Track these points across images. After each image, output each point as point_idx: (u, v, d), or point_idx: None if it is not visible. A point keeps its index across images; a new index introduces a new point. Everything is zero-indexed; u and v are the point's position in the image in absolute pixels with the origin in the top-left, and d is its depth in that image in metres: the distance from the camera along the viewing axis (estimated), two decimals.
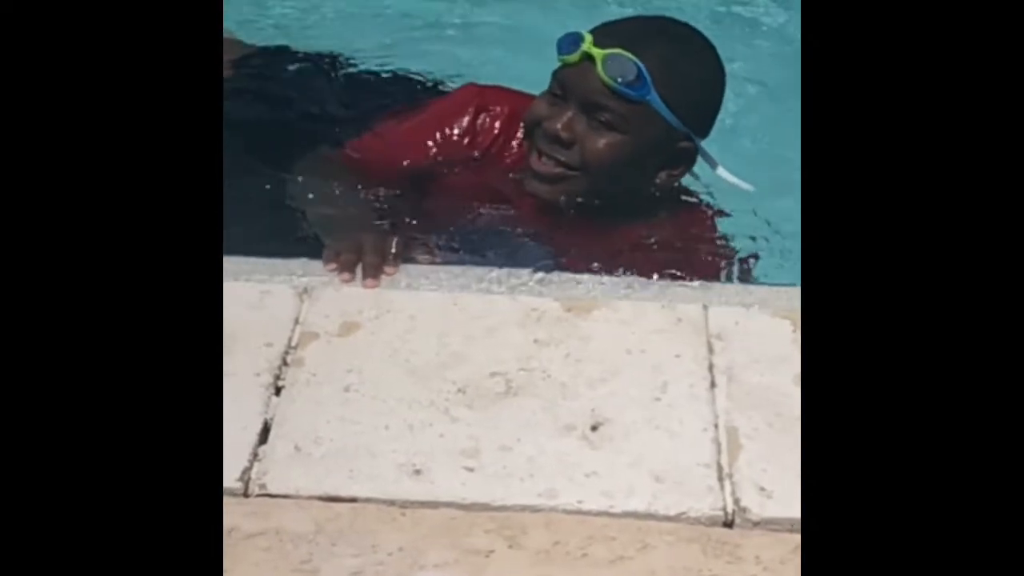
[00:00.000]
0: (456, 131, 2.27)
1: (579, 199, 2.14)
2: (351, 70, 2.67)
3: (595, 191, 2.12)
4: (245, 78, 2.58)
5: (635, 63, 2.03)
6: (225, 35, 2.63)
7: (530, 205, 2.21)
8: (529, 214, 2.22)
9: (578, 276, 1.93)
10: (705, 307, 1.82)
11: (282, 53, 2.68)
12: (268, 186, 2.31)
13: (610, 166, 2.08)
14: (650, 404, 1.64)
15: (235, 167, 2.42)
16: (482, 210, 2.25)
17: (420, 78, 2.61)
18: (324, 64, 2.65)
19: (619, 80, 2.03)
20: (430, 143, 2.27)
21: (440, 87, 2.56)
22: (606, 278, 1.93)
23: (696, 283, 1.93)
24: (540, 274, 1.93)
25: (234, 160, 2.44)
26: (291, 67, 2.66)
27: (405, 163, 2.27)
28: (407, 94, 2.54)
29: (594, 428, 1.61)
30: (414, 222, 2.18)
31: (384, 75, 2.64)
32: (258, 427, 1.59)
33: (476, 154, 2.28)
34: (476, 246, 2.18)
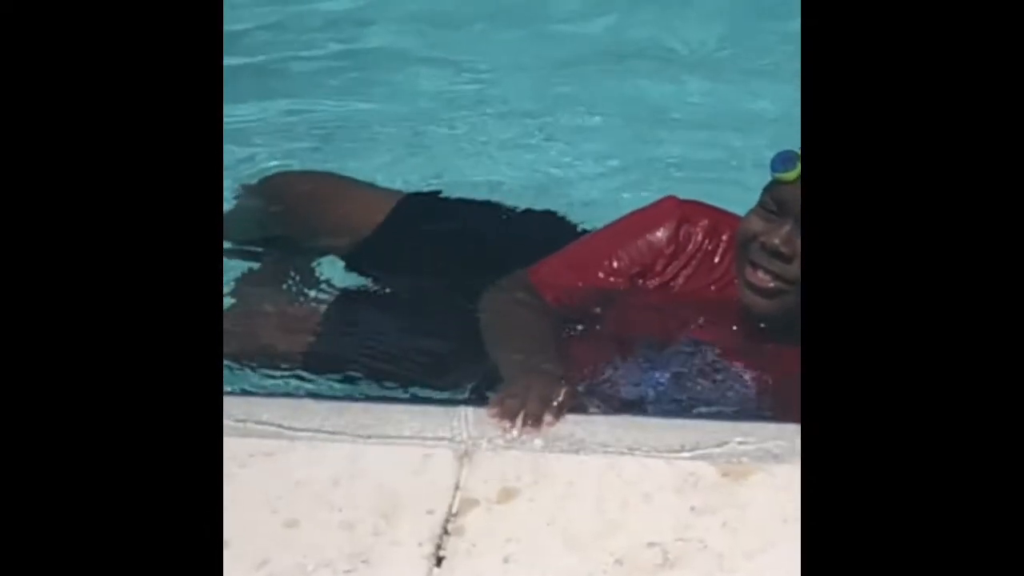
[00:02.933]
0: (660, 240, 2.28)
1: (793, 315, 2.09)
2: (518, 206, 2.71)
3: None
4: (409, 220, 2.63)
5: None
6: (382, 187, 2.76)
7: (732, 325, 2.22)
8: (729, 335, 2.22)
9: (748, 428, 1.88)
10: None
11: (437, 194, 2.75)
12: (450, 310, 2.38)
13: None
14: None
15: (416, 301, 2.51)
16: (675, 336, 2.22)
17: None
18: (483, 202, 2.70)
19: None
20: (633, 253, 2.29)
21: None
22: (781, 429, 1.86)
23: None
24: (707, 426, 1.90)
25: (415, 295, 2.53)
26: (451, 207, 2.70)
27: (601, 277, 2.28)
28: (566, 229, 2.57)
29: None
30: (592, 361, 2.18)
31: (543, 211, 2.68)
32: None
33: (678, 266, 2.28)
34: (659, 386, 2.17)
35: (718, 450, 1.84)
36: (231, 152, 3.07)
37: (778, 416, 2.03)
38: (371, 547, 1.68)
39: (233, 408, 1.92)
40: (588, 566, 1.64)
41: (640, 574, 1.63)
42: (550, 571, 1.64)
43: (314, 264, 2.67)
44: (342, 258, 2.66)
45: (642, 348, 2.21)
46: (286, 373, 2.41)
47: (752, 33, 3.53)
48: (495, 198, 2.73)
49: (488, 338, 2.20)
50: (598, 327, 2.26)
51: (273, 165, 2.98)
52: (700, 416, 2.08)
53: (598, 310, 2.27)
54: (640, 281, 2.28)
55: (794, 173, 2.08)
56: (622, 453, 1.84)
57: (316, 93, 3.36)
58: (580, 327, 2.25)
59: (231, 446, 1.83)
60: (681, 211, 2.29)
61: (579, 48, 3.46)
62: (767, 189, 2.14)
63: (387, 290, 2.59)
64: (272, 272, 2.67)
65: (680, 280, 2.28)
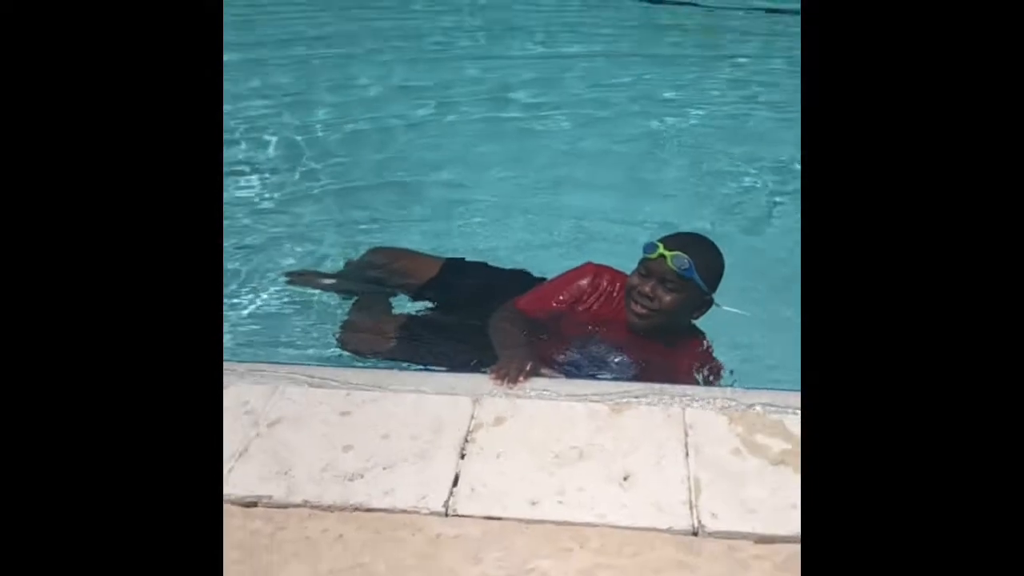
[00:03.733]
0: (583, 286, 2.34)
1: (654, 328, 2.24)
2: (509, 266, 2.75)
3: (663, 324, 2.24)
4: (449, 273, 2.66)
5: (687, 260, 2.18)
6: (429, 255, 2.74)
7: (622, 332, 2.28)
8: (620, 337, 2.29)
9: (626, 386, 1.95)
10: (683, 408, 1.86)
11: (461, 260, 2.77)
12: (469, 325, 2.41)
13: (673, 310, 2.22)
14: (654, 465, 1.72)
15: (450, 321, 2.57)
16: (591, 337, 2.29)
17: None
18: (486, 264, 2.72)
19: (680, 268, 2.17)
20: (570, 292, 2.33)
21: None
22: (643, 386, 1.93)
23: (687, 387, 1.97)
24: (605, 384, 1.97)
25: (448, 316, 2.61)
26: (472, 266, 2.71)
27: (553, 305, 2.33)
28: (534, 278, 2.64)
29: (625, 479, 1.68)
30: (546, 349, 2.23)
31: (520, 268, 2.73)
32: (452, 477, 1.68)
33: (593, 300, 2.32)
34: (582, 362, 2.24)
35: (611, 396, 1.89)
36: (348, 237, 3.15)
37: (643, 379, 2.06)
38: (426, 449, 1.73)
39: (352, 377, 1.96)
40: (540, 460, 1.72)
41: (568, 463, 1.71)
42: (520, 462, 1.71)
43: (392, 299, 2.67)
44: (409, 295, 2.66)
45: (575, 343, 2.28)
46: (377, 360, 2.41)
47: (640, 172, 3.61)
48: (493, 261, 2.74)
49: (491, 338, 2.24)
50: (551, 332, 2.30)
51: (372, 241, 2.99)
52: (603, 379, 2.12)
53: (551, 323, 2.31)
54: (574, 307, 2.32)
55: (655, 255, 2.18)
56: (560, 400, 1.90)
57: (395, 204, 3.39)
58: (542, 333, 2.29)
59: (355, 396, 1.89)
60: (595, 270, 2.35)
61: (541, 181, 3.53)
62: (641, 262, 2.23)
63: (434, 315, 2.59)
64: (368, 302, 2.65)
65: (595, 307, 2.32)
